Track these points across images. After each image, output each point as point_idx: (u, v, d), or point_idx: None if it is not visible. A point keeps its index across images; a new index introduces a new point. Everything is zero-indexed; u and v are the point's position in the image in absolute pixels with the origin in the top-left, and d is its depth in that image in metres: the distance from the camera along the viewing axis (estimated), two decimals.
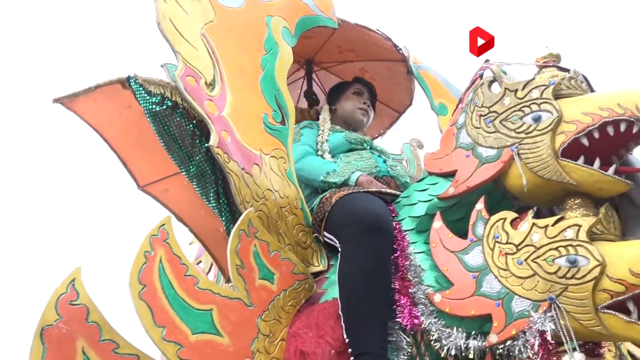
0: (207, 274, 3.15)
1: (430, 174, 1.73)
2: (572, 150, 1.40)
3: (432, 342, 1.45)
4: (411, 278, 1.54)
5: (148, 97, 1.65)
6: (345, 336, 1.43)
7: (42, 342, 1.13)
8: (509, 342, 1.33)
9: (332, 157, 2.10)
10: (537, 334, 1.27)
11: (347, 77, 2.77)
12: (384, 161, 2.09)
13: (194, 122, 1.66)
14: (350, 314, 1.46)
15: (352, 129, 2.35)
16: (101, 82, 1.87)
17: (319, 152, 2.12)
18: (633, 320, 1.20)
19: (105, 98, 1.91)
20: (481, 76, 1.72)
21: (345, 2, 2.50)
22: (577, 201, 1.41)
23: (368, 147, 2.16)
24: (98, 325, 1.21)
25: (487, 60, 1.75)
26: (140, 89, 1.67)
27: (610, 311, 1.22)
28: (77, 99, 1.97)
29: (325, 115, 2.33)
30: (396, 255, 1.57)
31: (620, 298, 1.21)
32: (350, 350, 1.41)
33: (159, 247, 1.38)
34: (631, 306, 1.21)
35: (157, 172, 2.12)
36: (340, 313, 1.48)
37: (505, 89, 1.58)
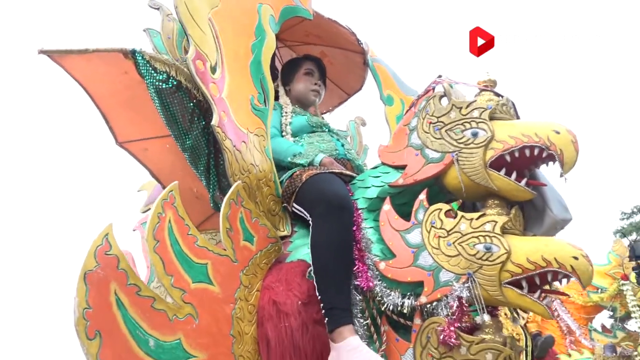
0: None
1: (384, 164, 2.11)
2: (497, 163, 1.82)
3: (376, 299, 1.86)
4: (363, 248, 1.92)
5: (154, 74, 1.84)
6: (317, 294, 1.78)
7: (85, 284, 1.38)
8: (434, 303, 1.74)
9: (295, 138, 2.39)
10: (456, 299, 1.71)
11: None
12: (342, 145, 2.43)
13: (194, 101, 1.89)
14: (322, 276, 1.79)
15: (306, 106, 2.65)
16: (101, 48, 2.01)
17: (283, 133, 2.41)
18: (524, 293, 1.66)
19: (101, 61, 2.05)
20: (434, 89, 2.09)
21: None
22: (495, 202, 1.84)
23: (327, 130, 2.49)
24: (126, 272, 1.48)
25: (439, 76, 2.12)
26: (147, 64, 1.86)
27: (510, 286, 1.67)
28: (69, 56, 2.09)
29: (284, 98, 2.59)
30: (354, 229, 1.95)
31: (517, 277, 1.67)
32: (322, 305, 1.76)
33: (168, 209, 1.65)
34: (524, 284, 1.67)
35: (138, 132, 2.30)
36: (313, 275, 1.81)
37: (453, 104, 1.96)
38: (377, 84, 2.92)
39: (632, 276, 4.36)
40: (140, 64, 1.86)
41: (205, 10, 1.96)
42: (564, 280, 1.68)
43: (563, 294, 1.90)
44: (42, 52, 2.06)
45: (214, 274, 1.71)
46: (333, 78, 3.09)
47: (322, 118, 2.84)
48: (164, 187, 2.46)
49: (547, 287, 1.71)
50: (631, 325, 4.43)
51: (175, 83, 1.87)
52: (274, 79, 2.95)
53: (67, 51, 2.06)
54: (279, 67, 3.02)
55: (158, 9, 2.55)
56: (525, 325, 3.98)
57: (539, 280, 1.67)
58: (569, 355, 4.06)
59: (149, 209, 3.39)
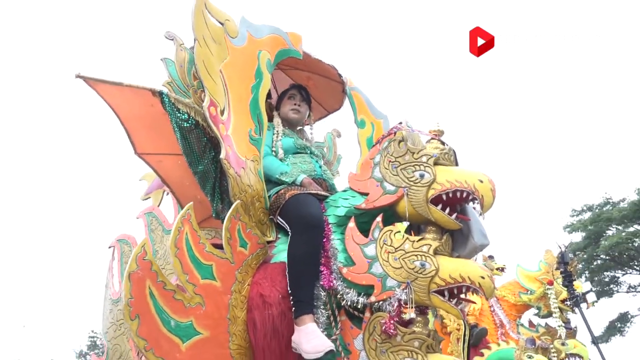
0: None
1: (352, 189, 2.67)
2: (436, 199, 2.40)
3: (337, 296, 2.44)
4: (331, 256, 2.49)
5: (178, 113, 2.35)
6: (289, 289, 2.36)
7: (129, 281, 1.93)
8: (381, 302, 2.34)
9: (284, 154, 2.92)
10: (397, 300, 2.30)
11: (296, 79, 3.57)
12: (320, 166, 2.98)
13: (208, 136, 2.41)
14: (293, 277, 2.36)
15: (293, 125, 3.17)
16: (133, 84, 2.49)
17: (273, 149, 2.93)
18: (445, 300, 2.27)
19: (132, 93, 2.53)
20: (395, 133, 2.64)
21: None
22: (433, 229, 2.43)
23: (309, 152, 3.02)
24: (156, 272, 2.02)
25: (400, 122, 2.67)
26: (172, 105, 2.36)
27: (435, 294, 2.28)
28: (104, 84, 2.56)
29: (277, 119, 3.11)
30: (324, 240, 2.51)
31: (441, 288, 2.27)
32: (291, 297, 2.35)
33: (186, 224, 2.19)
34: (445, 293, 2.28)
35: (155, 148, 2.80)
36: (287, 275, 2.40)
37: (408, 149, 2.53)
38: (352, 110, 3.44)
39: (557, 281, 5.12)
40: (167, 104, 2.36)
41: (218, 64, 2.45)
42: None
43: (472, 302, 2.53)
44: (79, 76, 2.52)
45: (217, 273, 2.26)
46: (316, 97, 3.61)
47: (305, 134, 3.37)
48: (172, 191, 3.00)
49: (462, 295, 2.33)
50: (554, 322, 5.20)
51: (194, 122, 2.37)
52: (268, 97, 3.46)
53: (102, 80, 2.53)
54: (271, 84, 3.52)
55: (172, 39, 3.02)
56: (465, 318, 4.70)
57: (456, 291, 2.28)
58: (499, 344, 4.83)
59: (149, 197, 3.93)
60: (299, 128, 3.34)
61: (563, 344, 4.65)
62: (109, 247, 3.74)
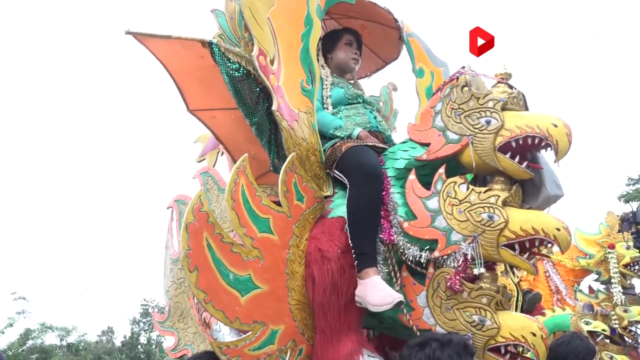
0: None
1: (411, 140, 2.52)
2: (504, 147, 2.23)
3: (398, 251, 2.34)
4: (390, 210, 2.38)
5: (229, 63, 2.27)
6: (350, 242, 2.28)
7: (187, 232, 1.89)
8: (445, 257, 2.22)
9: (334, 108, 2.78)
10: (462, 255, 2.17)
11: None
12: (375, 117, 2.83)
13: (260, 86, 2.32)
14: (355, 229, 2.27)
15: (345, 73, 3.02)
16: (182, 36, 2.43)
17: (325, 105, 2.79)
18: (515, 254, 2.12)
19: (181, 46, 2.47)
20: (457, 78, 2.46)
21: None
22: (500, 179, 2.27)
23: (361, 101, 2.87)
24: (213, 224, 1.98)
25: (463, 67, 2.48)
26: (223, 55, 2.27)
27: (505, 248, 2.13)
28: (153, 39, 2.51)
29: (325, 70, 2.94)
30: (383, 193, 2.40)
31: (511, 241, 2.12)
32: (353, 251, 2.27)
33: (241, 176, 2.12)
34: (516, 246, 2.13)
35: (207, 103, 2.75)
36: (348, 228, 2.31)
37: (472, 95, 2.34)
38: (410, 57, 3.25)
39: (619, 245, 4.76)
40: (217, 54, 2.28)
41: (264, 11, 2.33)
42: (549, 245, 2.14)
43: (546, 256, 2.36)
44: (129, 33, 2.48)
45: (274, 226, 2.20)
46: (372, 47, 3.43)
47: (359, 85, 3.22)
48: (226, 148, 2.95)
49: (534, 249, 2.17)
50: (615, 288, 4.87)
51: (245, 72, 2.29)
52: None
53: (152, 35, 2.49)
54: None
55: None
56: (518, 282, 4.51)
57: (528, 244, 2.13)
58: (553, 310, 4.60)
59: (204, 159, 3.93)
60: (351, 81, 3.19)
61: (625, 311, 4.37)
62: (167, 208, 3.78)
